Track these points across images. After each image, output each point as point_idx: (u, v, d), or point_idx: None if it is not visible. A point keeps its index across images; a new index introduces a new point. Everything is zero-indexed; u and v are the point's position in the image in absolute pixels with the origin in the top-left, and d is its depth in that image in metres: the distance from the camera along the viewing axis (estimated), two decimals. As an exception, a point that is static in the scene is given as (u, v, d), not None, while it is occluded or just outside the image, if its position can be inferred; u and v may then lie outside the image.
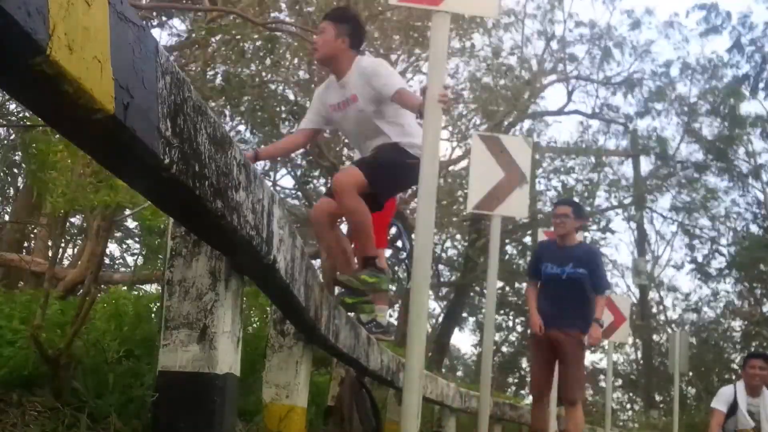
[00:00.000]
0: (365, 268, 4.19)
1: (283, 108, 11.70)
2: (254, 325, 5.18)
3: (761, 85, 22.36)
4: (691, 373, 23.10)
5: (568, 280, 6.43)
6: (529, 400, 8.69)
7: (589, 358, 25.29)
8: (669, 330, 25.04)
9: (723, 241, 24.02)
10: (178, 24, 11.63)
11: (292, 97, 11.96)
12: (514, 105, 14.64)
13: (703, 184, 22.24)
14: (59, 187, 2.63)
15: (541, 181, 17.71)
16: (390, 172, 4.25)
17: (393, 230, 5.56)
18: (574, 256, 6.45)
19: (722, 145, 21.94)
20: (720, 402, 7.35)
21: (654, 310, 27.21)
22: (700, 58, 22.44)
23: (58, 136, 2.72)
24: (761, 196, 23.42)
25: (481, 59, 14.54)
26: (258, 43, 10.22)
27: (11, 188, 11.76)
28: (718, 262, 24.45)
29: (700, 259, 24.82)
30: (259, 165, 13.73)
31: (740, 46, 22.67)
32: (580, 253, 6.50)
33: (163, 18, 10.87)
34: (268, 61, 10.62)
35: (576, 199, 18.03)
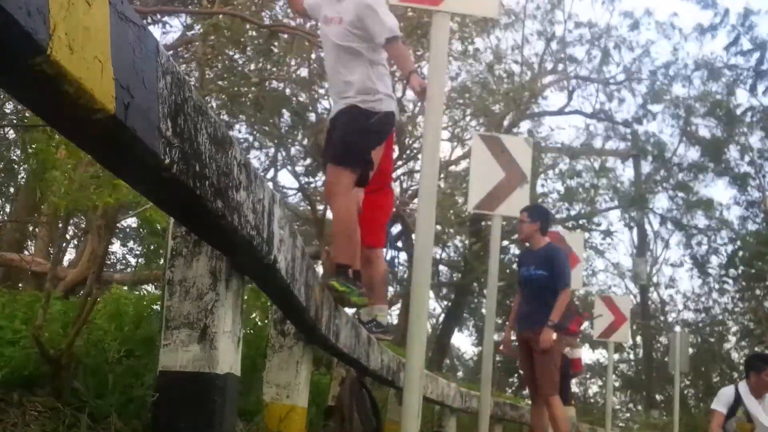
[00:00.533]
0: (337, 275, 4.00)
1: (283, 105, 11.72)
2: (259, 324, 5.17)
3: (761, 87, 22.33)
4: (691, 375, 23.11)
5: (531, 281, 6.64)
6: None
7: (591, 356, 25.28)
8: (670, 329, 25.06)
9: (720, 240, 24.02)
10: (177, 24, 11.67)
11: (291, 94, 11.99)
12: (517, 106, 14.65)
13: (700, 197, 22.23)
14: (61, 186, 2.63)
15: (544, 184, 17.70)
16: (359, 147, 4.10)
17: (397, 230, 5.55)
18: (536, 258, 6.64)
19: (719, 145, 21.94)
20: (720, 403, 7.33)
21: (655, 309, 27.19)
22: (697, 58, 22.34)
23: (58, 135, 2.72)
24: (757, 194, 23.39)
25: (482, 62, 14.56)
26: (258, 42, 10.25)
27: (12, 188, 11.77)
28: (719, 258, 24.45)
29: (698, 258, 24.84)
30: (259, 163, 13.76)
31: (738, 42, 22.59)
32: (542, 254, 6.64)
33: (158, 16, 10.88)
34: (268, 64, 10.66)
35: (577, 203, 18.14)
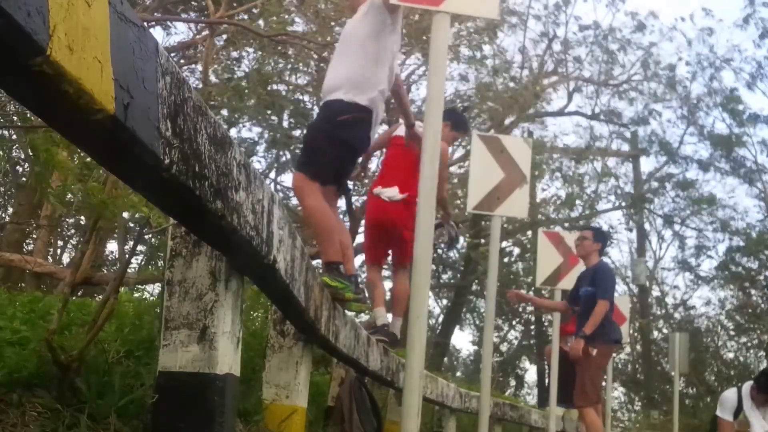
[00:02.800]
0: (328, 272, 3.90)
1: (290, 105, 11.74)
2: (257, 323, 5.17)
3: None
4: (689, 376, 23.08)
5: (582, 299, 7.06)
6: (530, 400, 8.92)
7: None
8: (669, 328, 25.03)
9: (716, 238, 24.00)
10: (180, 26, 11.71)
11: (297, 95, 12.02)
12: (518, 107, 14.63)
13: (702, 195, 22.20)
14: (92, 193, 2.59)
15: (544, 188, 17.67)
16: (323, 153, 3.95)
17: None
18: (587, 275, 7.12)
19: (731, 141, 21.91)
20: (726, 411, 7.33)
21: (655, 308, 27.16)
22: (714, 53, 22.14)
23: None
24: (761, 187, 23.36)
25: (488, 67, 14.58)
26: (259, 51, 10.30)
27: (12, 188, 11.77)
28: (715, 257, 24.42)
29: (693, 261, 24.92)
30: (260, 165, 13.78)
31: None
32: (591, 273, 7.09)
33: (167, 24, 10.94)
34: (271, 68, 10.71)
35: (577, 206, 18.14)
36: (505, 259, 18.50)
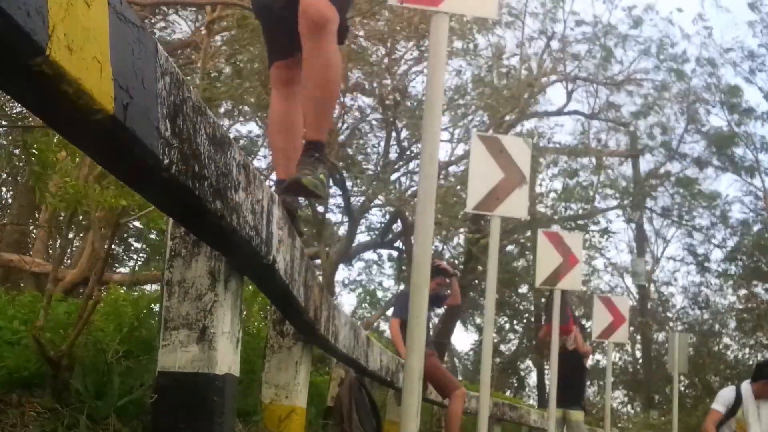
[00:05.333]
0: (314, 165, 2.85)
1: None
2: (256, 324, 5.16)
3: None
4: (689, 375, 23.08)
5: None
6: (530, 401, 8.92)
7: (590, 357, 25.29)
8: (669, 328, 25.02)
9: (720, 236, 23.99)
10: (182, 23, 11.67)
11: None
12: (514, 106, 14.62)
13: (700, 189, 22.19)
14: (65, 187, 2.61)
15: (542, 183, 17.66)
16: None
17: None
18: None
19: (726, 140, 21.93)
20: (719, 404, 7.33)
21: (654, 308, 27.16)
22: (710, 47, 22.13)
23: (57, 137, 2.72)
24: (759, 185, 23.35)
25: (483, 59, 14.54)
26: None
27: (11, 188, 11.77)
28: (721, 252, 24.40)
29: (697, 254, 24.86)
30: (262, 164, 13.79)
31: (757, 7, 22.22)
32: None
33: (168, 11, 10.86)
34: None
35: (574, 202, 18.14)
36: (517, 263, 18.51)
